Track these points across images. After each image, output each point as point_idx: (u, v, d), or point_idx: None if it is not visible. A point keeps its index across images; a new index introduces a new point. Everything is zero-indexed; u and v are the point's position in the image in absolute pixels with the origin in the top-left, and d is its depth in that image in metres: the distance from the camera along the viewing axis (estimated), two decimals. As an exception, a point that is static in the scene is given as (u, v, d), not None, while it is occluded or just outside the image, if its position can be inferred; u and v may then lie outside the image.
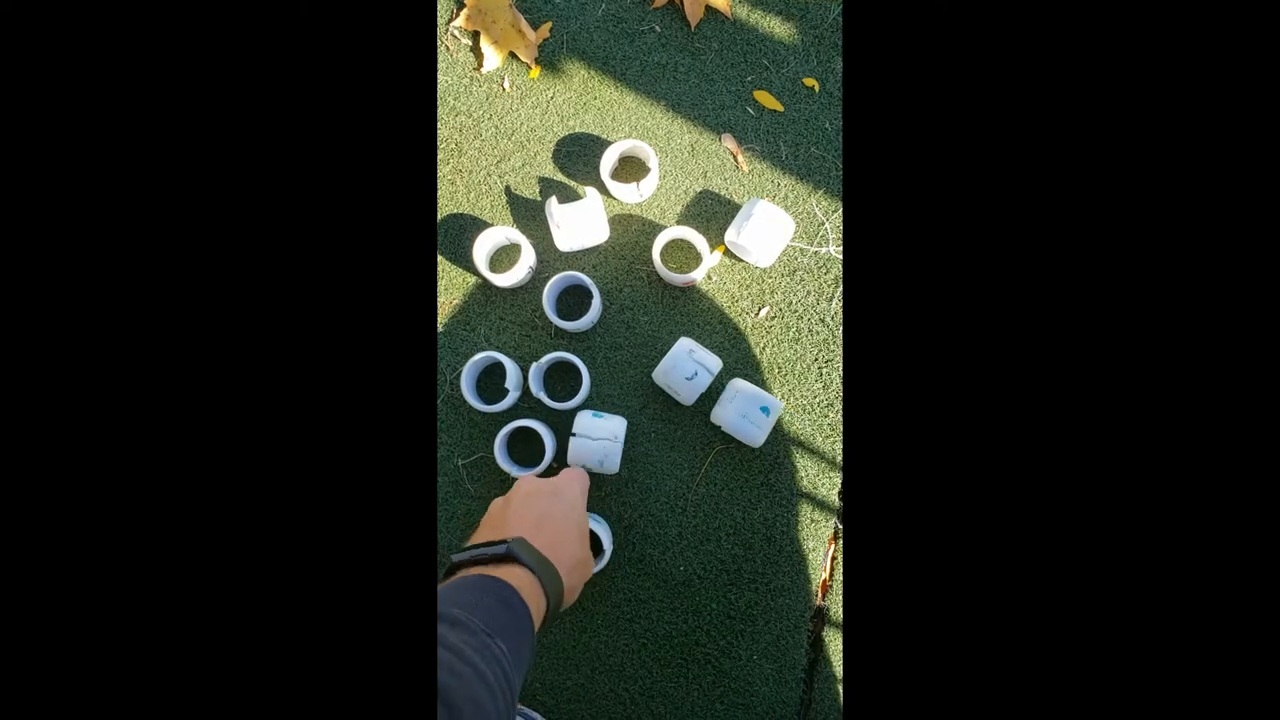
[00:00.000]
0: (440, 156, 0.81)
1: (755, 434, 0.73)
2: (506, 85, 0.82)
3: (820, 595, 0.76)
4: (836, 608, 0.75)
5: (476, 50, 0.82)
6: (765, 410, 0.72)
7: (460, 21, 0.82)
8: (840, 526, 0.76)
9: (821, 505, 0.76)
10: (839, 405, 0.77)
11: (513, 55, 0.82)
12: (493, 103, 0.82)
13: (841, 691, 0.73)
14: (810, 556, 0.75)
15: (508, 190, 0.81)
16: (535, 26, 0.82)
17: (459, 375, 0.76)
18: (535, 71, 0.82)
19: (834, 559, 0.76)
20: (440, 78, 0.82)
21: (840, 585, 0.75)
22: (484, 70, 0.82)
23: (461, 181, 0.81)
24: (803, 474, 0.76)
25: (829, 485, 0.76)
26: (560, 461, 0.75)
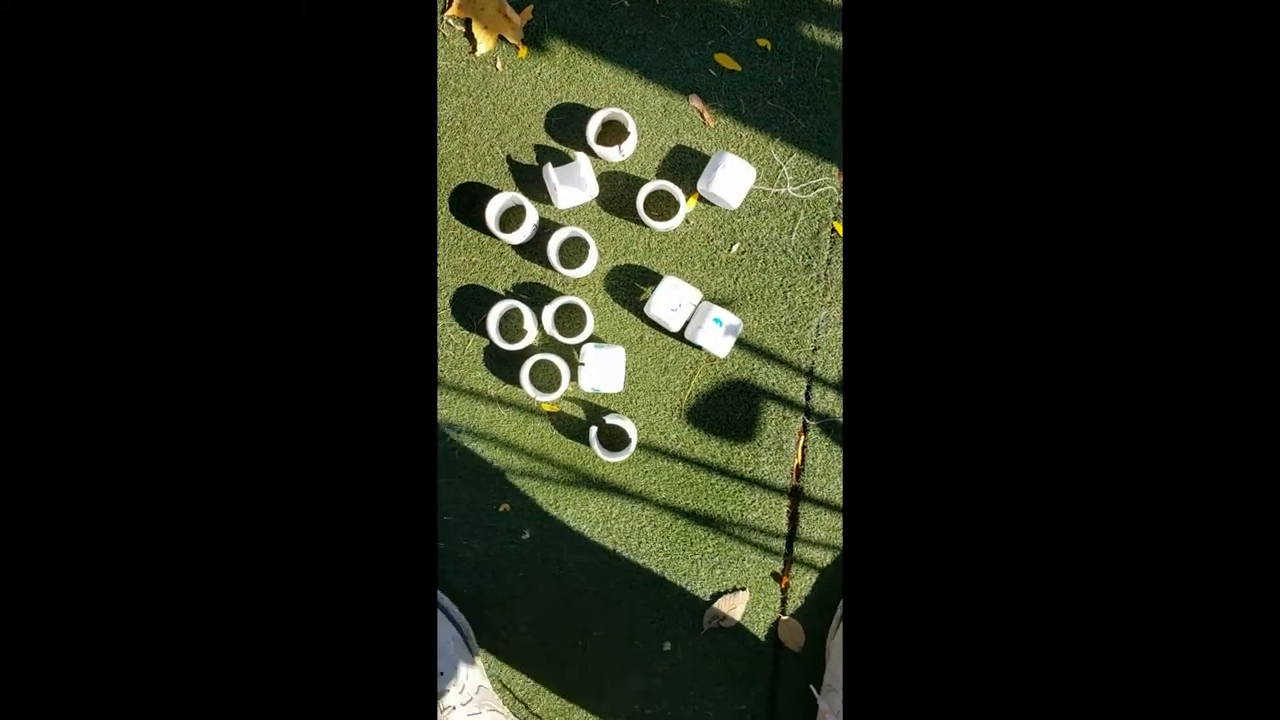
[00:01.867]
0: (448, 133, 0.94)
1: (717, 345, 0.89)
2: (499, 65, 0.94)
3: (794, 477, 0.93)
4: (809, 486, 0.92)
5: (470, 36, 0.94)
6: (718, 321, 0.88)
7: (453, 10, 0.94)
8: (807, 421, 0.93)
9: (790, 404, 0.92)
10: (801, 321, 0.92)
11: (502, 38, 0.94)
12: (488, 82, 0.94)
13: (816, 554, 0.92)
14: (785, 446, 0.93)
15: (509, 159, 0.94)
16: (519, 10, 0.94)
17: (484, 321, 0.92)
18: (523, 51, 0.94)
19: (802, 447, 0.93)
20: (440, 63, 0.94)
21: (810, 468, 0.93)
22: (478, 53, 0.94)
23: (469, 155, 0.94)
24: (774, 380, 0.92)
25: (796, 388, 0.93)
26: (574, 387, 0.92)
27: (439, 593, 0.90)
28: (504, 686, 0.91)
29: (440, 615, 0.88)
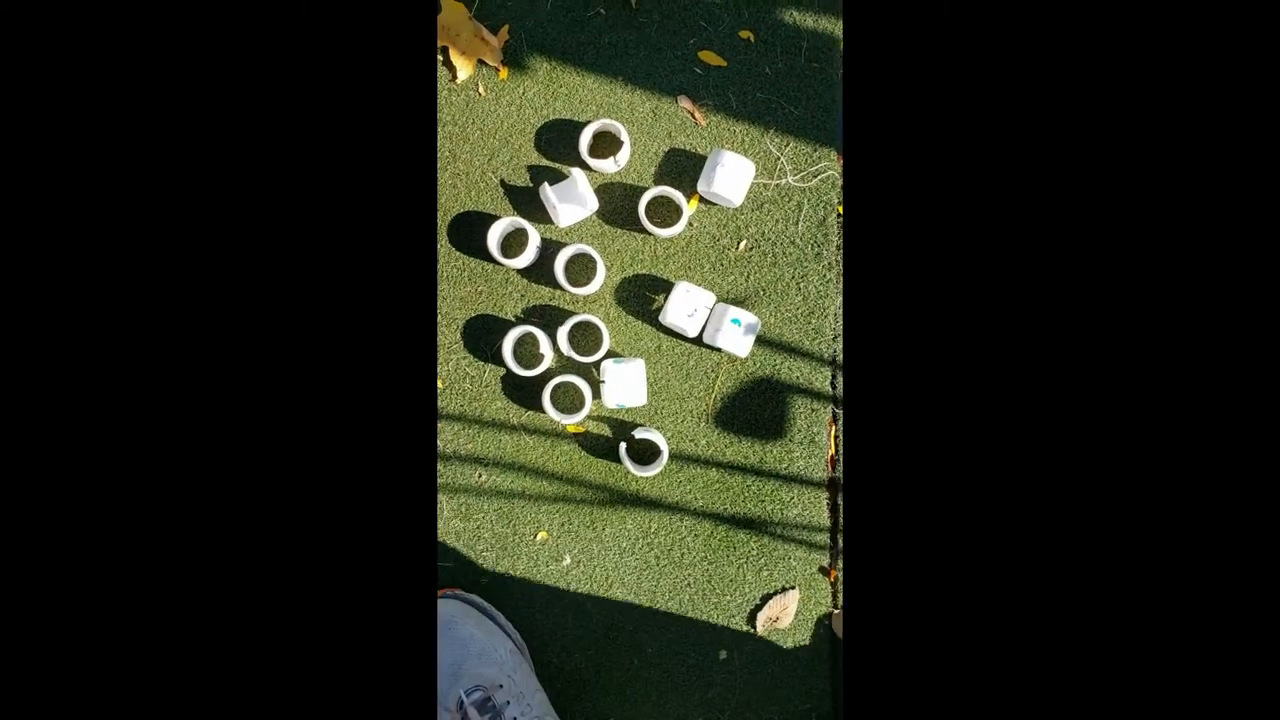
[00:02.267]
0: (439, 165, 0.92)
1: (738, 345, 0.87)
2: (481, 90, 0.92)
3: (830, 468, 0.92)
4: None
5: (449, 64, 0.92)
6: (736, 321, 0.86)
7: (428, 39, 0.92)
8: (838, 412, 0.92)
9: (818, 396, 0.91)
10: (818, 311, 0.91)
11: (481, 62, 0.92)
12: (473, 108, 0.93)
13: (860, 540, 0.91)
14: (817, 439, 0.91)
15: (503, 183, 0.92)
16: (494, 31, 0.92)
17: (499, 350, 0.90)
18: (504, 73, 0.92)
19: (835, 437, 0.92)
20: (422, 94, 0.93)
21: (844, 458, 0.91)
22: (458, 80, 0.92)
23: (461, 184, 0.92)
24: (798, 374, 0.91)
25: (821, 379, 0.91)
26: (597, 405, 0.90)
27: (490, 606, 0.89)
28: (565, 711, 0.90)
29: (493, 626, 0.87)
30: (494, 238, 0.89)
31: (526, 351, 0.92)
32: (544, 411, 0.89)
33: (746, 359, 0.91)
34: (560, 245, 0.91)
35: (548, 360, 0.90)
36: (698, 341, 0.91)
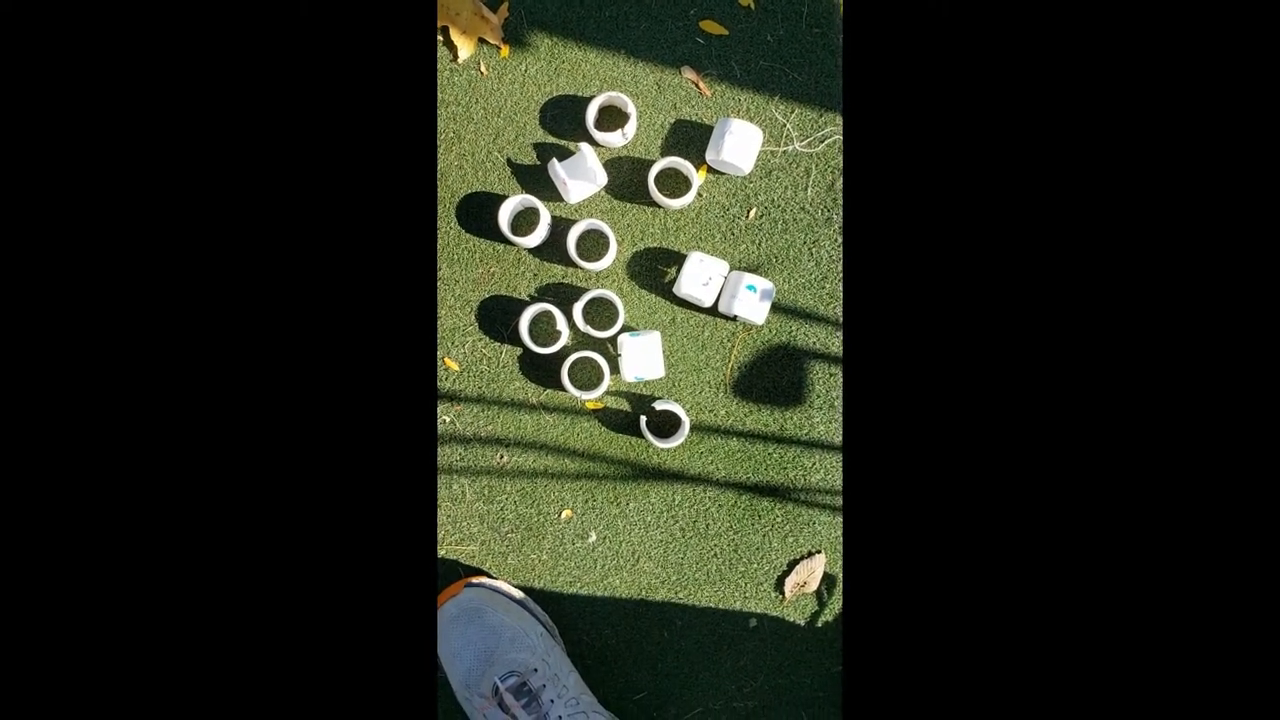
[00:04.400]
0: (443, 146, 0.92)
1: (754, 312, 0.87)
2: (483, 69, 0.92)
3: (850, 432, 0.92)
4: (865, 438, 0.92)
5: (449, 43, 0.91)
6: (751, 288, 0.87)
7: (427, 20, 0.91)
8: (854, 374, 0.92)
9: (834, 360, 0.92)
10: (831, 276, 0.91)
11: (482, 40, 0.91)
12: (475, 87, 0.92)
13: (883, 501, 0.91)
14: (836, 403, 0.92)
15: (509, 162, 0.92)
16: (494, 9, 0.91)
17: (515, 329, 0.90)
18: (505, 51, 0.91)
19: (855, 400, 0.92)
20: (423, 75, 0.92)
21: (864, 420, 0.92)
22: (460, 60, 0.91)
23: (468, 164, 0.92)
24: (814, 339, 0.91)
25: (837, 343, 0.92)
26: (616, 380, 0.90)
27: (518, 590, 0.89)
28: (597, 688, 0.90)
29: (522, 610, 0.87)
30: (504, 217, 0.89)
31: (542, 330, 0.91)
32: (563, 389, 0.89)
33: (762, 327, 0.91)
34: (571, 222, 0.90)
35: (564, 337, 0.89)
36: (713, 311, 0.91)
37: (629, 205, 0.92)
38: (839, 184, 0.92)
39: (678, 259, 0.91)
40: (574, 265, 0.90)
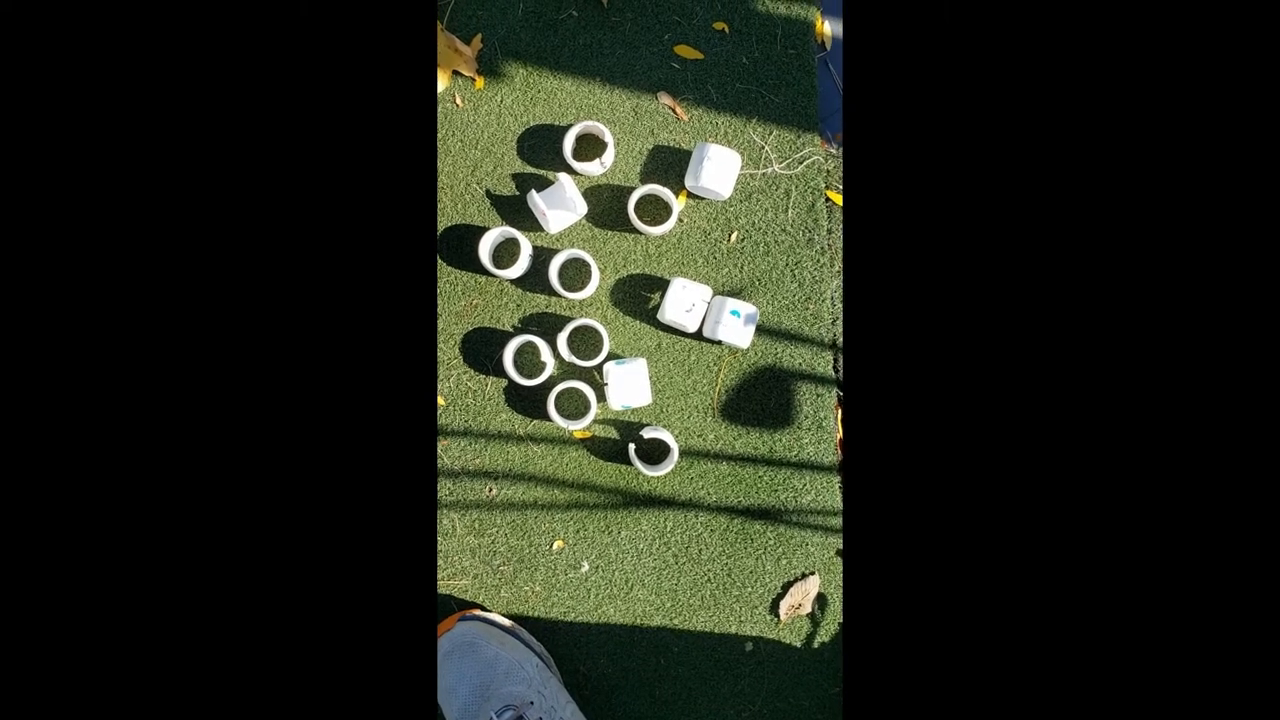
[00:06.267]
0: (422, 180, 0.91)
1: (738, 336, 0.87)
2: (459, 101, 0.91)
3: (840, 452, 0.92)
4: (855, 457, 0.92)
5: (423, 77, 0.91)
6: (735, 313, 0.86)
7: (400, 54, 0.91)
8: (840, 395, 0.92)
9: (821, 380, 0.91)
10: (814, 296, 0.91)
11: (456, 73, 0.91)
12: (451, 120, 0.92)
13: (875, 520, 0.91)
14: (824, 424, 0.92)
15: (489, 193, 0.92)
16: (467, 41, 0.91)
17: (500, 361, 0.90)
18: (480, 82, 0.91)
19: (842, 420, 0.92)
20: (399, 110, 0.91)
21: (853, 439, 0.92)
22: (435, 93, 0.91)
23: (447, 197, 0.91)
24: (800, 360, 0.91)
25: (824, 363, 0.92)
26: (603, 408, 0.90)
27: (512, 622, 0.89)
28: (595, 718, 0.90)
29: (517, 642, 0.86)
30: (485, 249, 0.88)
31: (527, 361, 0.91)
32: (550, 420, 0.89)
33: (748, 349, 0.91)
34: (552, 252, 0.90)
35: (549, 368, 0.89)
36: (698, 336, 0.91)
37: (610, 233, 0.91)
38: (819, 204, 0.92)
39: (661, 285, 0.91)
40: (557, 295, 0.90)
